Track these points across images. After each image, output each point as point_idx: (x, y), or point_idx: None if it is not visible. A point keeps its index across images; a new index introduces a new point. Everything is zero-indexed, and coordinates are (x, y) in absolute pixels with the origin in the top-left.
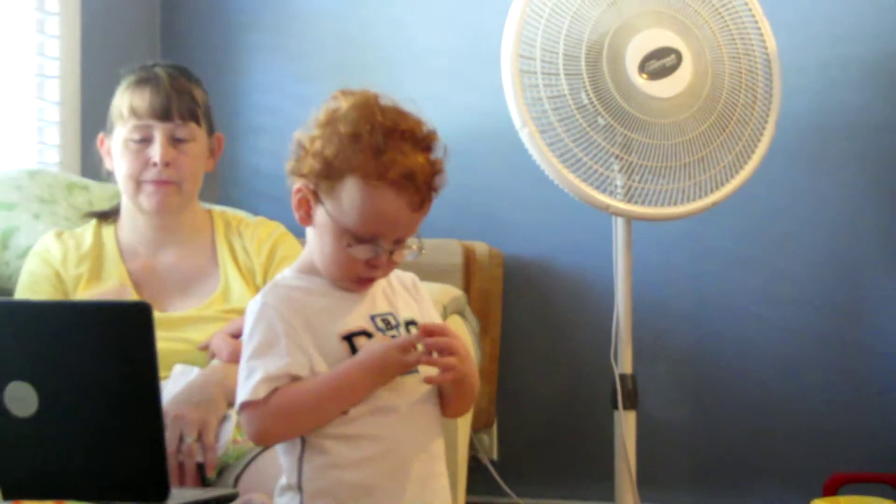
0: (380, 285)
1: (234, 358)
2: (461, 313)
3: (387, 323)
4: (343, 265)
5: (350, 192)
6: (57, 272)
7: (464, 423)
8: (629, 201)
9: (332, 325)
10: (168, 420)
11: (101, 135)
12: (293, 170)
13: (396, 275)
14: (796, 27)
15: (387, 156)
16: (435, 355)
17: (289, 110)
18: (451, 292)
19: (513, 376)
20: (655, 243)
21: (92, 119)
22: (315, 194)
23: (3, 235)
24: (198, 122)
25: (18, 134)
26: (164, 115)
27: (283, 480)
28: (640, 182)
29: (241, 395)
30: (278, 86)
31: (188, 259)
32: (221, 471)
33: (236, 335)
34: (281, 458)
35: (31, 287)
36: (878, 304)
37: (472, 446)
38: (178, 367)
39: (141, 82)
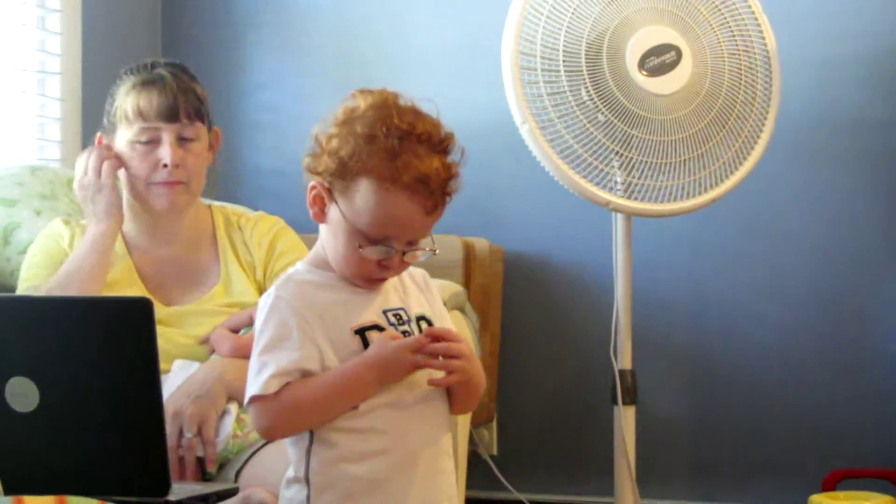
0: (391, 281)
1: (235, 353)
2: (461, 309)
3: (398, 318)
4: (355, 264)
5: (364, 193)
6: (65, 252)
7: (464, 419)
8: (629, 197)
9: (345, 319)
10: (168, 415)
11: (99, 133)
12: (309, 166)
13: (408, 271)
14: (796, 24)
15: (402, 159)
16: (440, 359)
17: (289, 107)
18: (452, 288)
19: (513, 372)
20: (655, 239)
21: (93, 115)
22: (329, 192)
23: (4, 231)
24: (202, 120)
25: (20, 130)
26: (171, 116)
27: (289, 472)
28: (639, 178)
29: (252, 389)
30: (279, 82)
31: (189, 254)
32: (222, 465)
33: (236, 329)
34: (288, 450)
35: (42, 261)
36: (877, 300)
37: (471, 441)
38: (178, 362)
39: (146, 84)
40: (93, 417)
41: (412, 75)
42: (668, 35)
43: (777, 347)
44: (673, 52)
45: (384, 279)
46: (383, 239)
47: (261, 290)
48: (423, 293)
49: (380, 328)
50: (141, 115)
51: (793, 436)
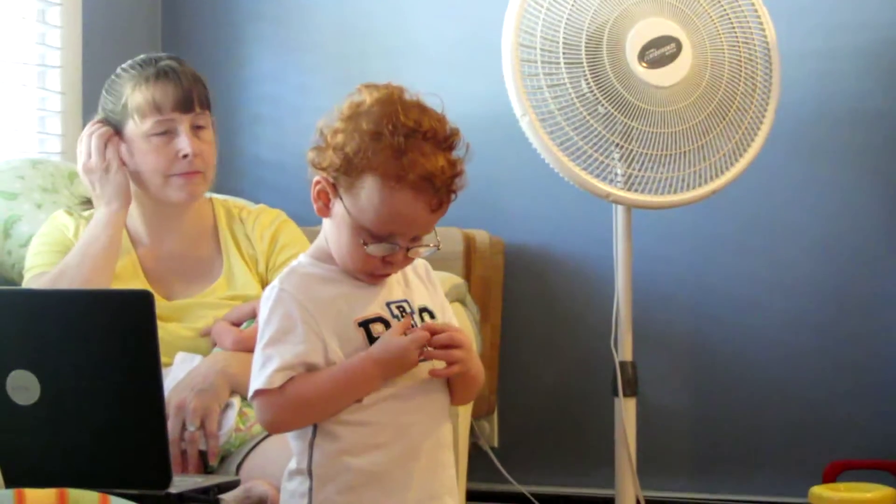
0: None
1: (237, 346)
2: (462, 301)
3: (402, 310)
4: (358, 260)
5: (368, 191)
6: (70, 241)
7: (465, 411)
8: (629, 189)
9: (349, 312)
10: (170, 408)
11: (99, 118)
12: (313, 161)
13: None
14: (796, 16)
15: (407, 157)
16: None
17: (290, 100)
18: (452, 280)
19: (513, 364)
20: (655, 231)
21: (94, 108)
22: (334, 188)
23: (5, 224)
24: (210, 108)
25: (20, 123)
26: (186, 106)
27: (292, 464)
28: (640, 170)
29: (256, 383)
30: (279, 76)
31: (191, 247)
32: (224, 458)
33: (238, 322)
34: (291, 443)
35: (47, 249)
36: (878, 292)
37: (472, 433)
38: (180, 355)
39: (159, 76)
40: (94, 410)
41: (412, 68)
42: (668, 27)
43: (778, 339)
44: (673, 44)
45: (387, 274)
46: (388, 236)
47: (263, 283)
48: (426, 285)
49: (383, 321)
50: (157, 107)
51: (793, 427)
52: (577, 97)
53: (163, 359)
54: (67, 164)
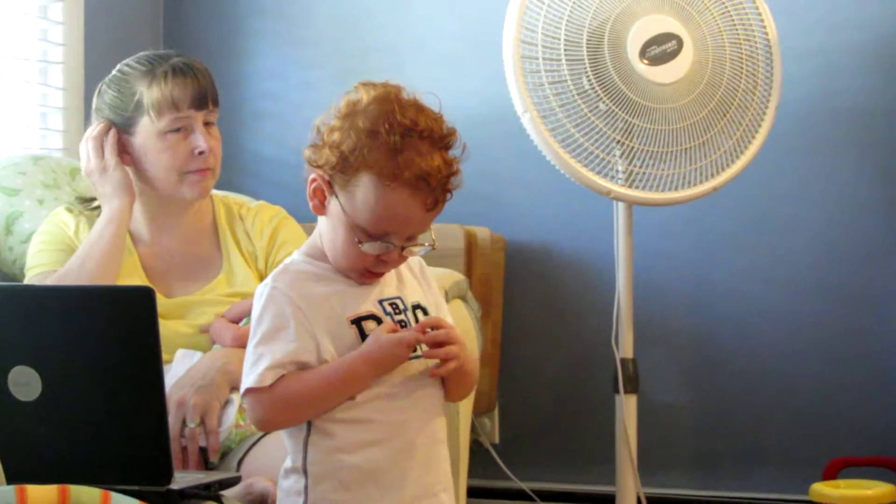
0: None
1: (237, 342)
2: (463, 298)
3: (395, 307)
4: (353, 258)
5: (364, 189)
6: (71, 239)
7: (465, 407)
8: (630, 186)
9: (341, 309)
10: (171, 405)
11: (103, 122)
12: (309, 159)
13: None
14: (796, 13)
15: (403, 156)
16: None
17: (291, 96)
18: (453, 277)
19: (514, 361)
20: (657, 228)
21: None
22: (329, 186)
23: (6, 220)
24: (218, 104)
25: (22, 119)
26: (202, 103)
27: (287, 463)
28: (641, 167)
29: (248, 381)
30: (281, 72)
31: (191, 245)
32: (224, 455)
33: (237, 320)
34: (286, 441)
35: (48, 248)
36: (879, 289)
37: (473, 430)
38: (180, 352)
39: (177, 73)
40: (95, 406)
41: (413, 64)
42: (669, 24)
43: (778, 336)
44: (674, 41)
45: (381, 274)
46: (383, 235)
47: (262, 280)
48: (420, 281)
49: (376, 318)
50: (175, 104)
51: (794, 424)
52: (579, 94)
53: (163, 356)
54: (69, 161)
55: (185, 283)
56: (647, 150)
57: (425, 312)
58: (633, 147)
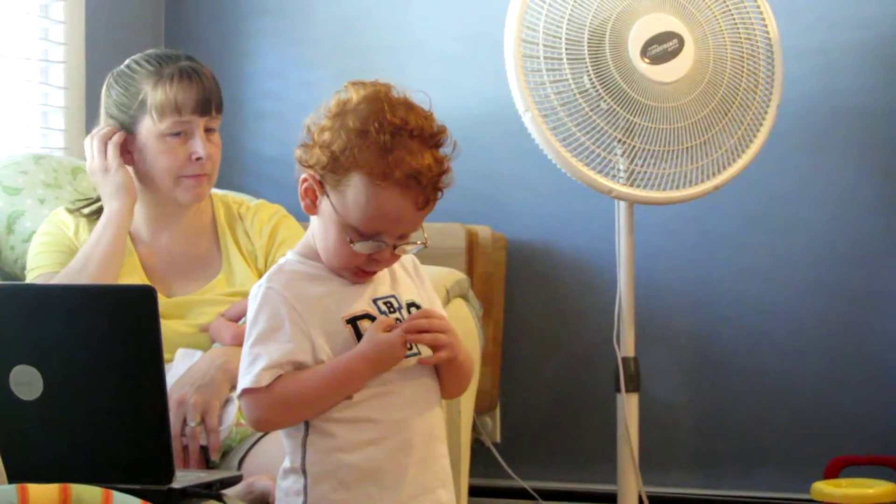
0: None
1: (236, 341)
2: (464, 297)
3: (389, 306)
4: (345, 258)
5: (355, 189)
6: (70, 240)
7: (467, 406)
8: (632, 185)
9: (336, 309)
10: (171, 404)
11: (111, 125)
12: (300, 159)
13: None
14: (797, 12)
15: (393, 155)
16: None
17: (292, 95)
18: (455, 276)
19: (516, 359)
20: (658, 227)
21: (97, 103)
22: (321, 185)
23: (8, 219)
24: (222, 111)
25: (23, 119)
26: (205, 109)
27: (286, 463)
28: (642, 166)
29: (244, 381)
30: (282, 71)
31: (191, 244)
32: (225, 454)
33: (236, 319)
34: (284, 441)
35: (47, 250)
36: (880, 288)
37: (475, 429)
38: (180, 351)
39: (183, 77)
40: (97, 405)
41: (414, 63)
42: (671, 23)
43: (780, 335)
44: (675, 40)
45: (373, 272)
46: (374, 234)
47: None
48: (413, 279)
49: (371, 317)
50: (178, 108)
51: (796, 423)
52: (580, 93)
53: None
54: (70, 160)
55: (184, 283)
56: (649, 149)
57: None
58: (634, 146)
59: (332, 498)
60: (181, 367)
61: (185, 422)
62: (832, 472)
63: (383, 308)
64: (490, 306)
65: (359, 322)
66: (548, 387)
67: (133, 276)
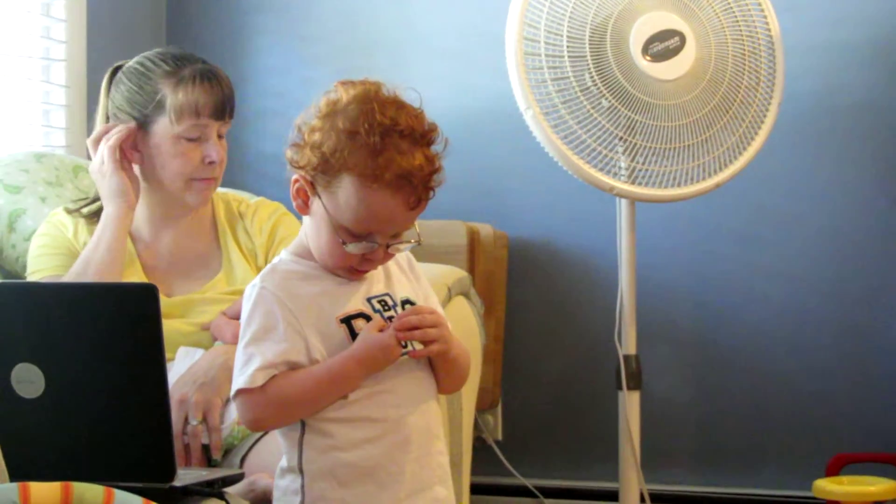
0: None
1: (237, 339)
2: (466, 294)
3: (384, 304)
4: (338, 257)
5: (346, 190)
6: (70, 241)
7: (469, 404)
8: (633, 183)
9: (330, 308)
10: (173, 402)
11: (131, 125)
12: (291, 160)
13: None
14: (799, 8)
15: (384, 156)
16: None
17: (295, 93)
18: (456, 273)
19: (517, 357)
20: (659, 224)
21: (98, 102)
22: (312, 186)
23: (9, 218)
24: (233, 117)
25: (25, 117)
26: (222, 114)
27: (283, 462)
28: (644, 164)
29: (238, 382)
30: (284, 69)
31: (191, 242)
32: (227, 452)
33: (237, 317)
34: (280, 441)
35: (47, 252)
36: (882, 285)
37: (476, 427)
38: (182, 350)
39: (203, 79)
40: (98, 403)
41: (416, 61)
42: (672, 20)
43: (782, 332)
44: (677, 38)
45: (367, 270)
46: (366, 234)
47: None
48: (408, 276)
49: (365, 316)
50: (197, 111)
51: (797, 420)
52: (581, 91)
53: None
54: (72, 158)
55: (185, 282)
56: (650, 147)
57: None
58: (635, 143)
59: (329, 496)
60: (182, 366)
61: (186, 420)
62: (834, 470)
63: (377, 306)
64: (491, 304)
65: (353, 321)
66: (549, 384)
67: (133, 276)
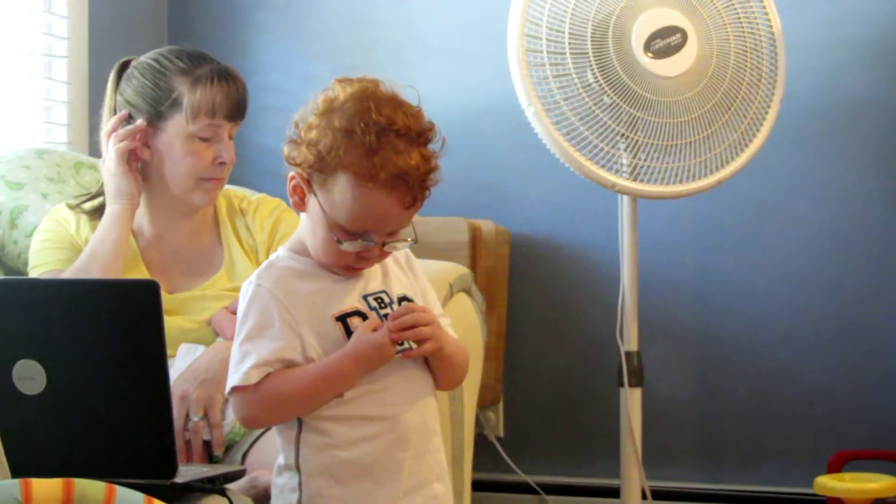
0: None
1: None
2: (467, 291)
3: (380, 301)
4: (333, 255)
5: (341, 188)
6: (72, 237)
7: (470, 401)
8: (635, 179)
9: (326, 306)
10: (174, 398)
11: (141, 121)
12: (288, 157)
13: None
14: (801, 6)
15: (379, 155)
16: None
17: (296, 89)
18: (458, 270)
19: (519, 354)
20: (661, 221)
21: (100, 98)
22: (308, 183)
23: (11, 214)
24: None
25: (26, 113)
26: (235, 115)
27: (280, 460)
28: (645, 160)
29: (233, 379)
30: (285, 65)
31: (193, 239)
32: (228, 448)
33: None
34: (277, 439)
35: (49, 247)
36: (883, 282)
37: (478, 423)
38: (183, 346)
39: (221, 80)
40: (100, 400)
41: (418, 58)
42: (674, 17)
43: (783, 329)
44: (678, 35)
45: (363, 268)
46: (362, 233)
47: None
48: (406, 273)
49: (361, 314)
50: (213, 111)
51: (799, 417)
52: (583, 87)
53: None
54: (73, 154)
55: (186, 279)
56: (652, 144)
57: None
58: (637, 140)
59: (326, 494)
60: (184, 363)
61: (187, 417)
62: (835, 467)
63: (374, 304)
64: (493, 301)
65: (349, 319)
66: (551, 381)
67: (135, 273)
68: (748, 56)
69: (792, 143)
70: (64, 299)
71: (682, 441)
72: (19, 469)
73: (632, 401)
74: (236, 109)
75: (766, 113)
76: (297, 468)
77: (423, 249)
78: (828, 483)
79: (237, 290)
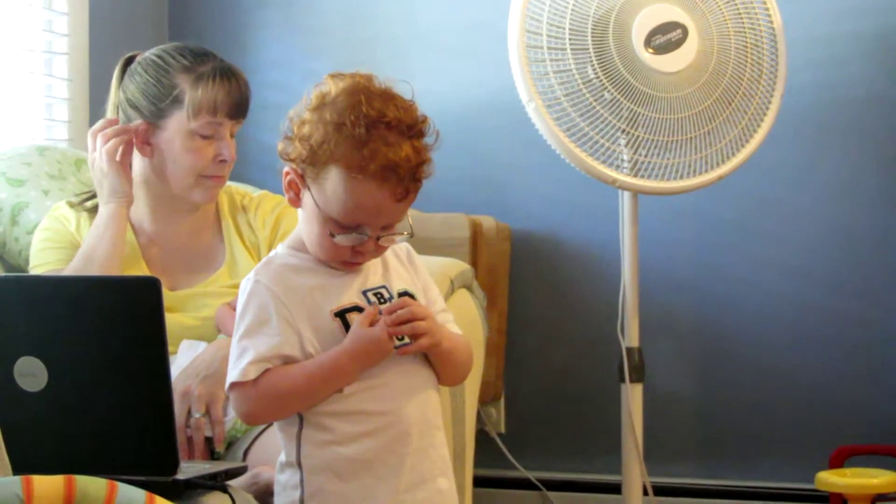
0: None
1: None
2: (468, 287)
3: (379, 297)
4: (329, 250)
5: (333, 182)
6: (72, 235)
7: (471, 397)
8: (636, 175)
9: (325, 302)
10: (176, 395)
11: (141, 123)
12: (282, 153)
13: (391, 247)
14: (802, 1)
15: (369, 147)
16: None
17: (297, 86)
18: (459, 266)
19: (520, 350)
20: (662, 217)
21: (101, 95)
22: (302, 179)
23: (12, 211)
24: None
25: (27, 110)
26: (237, 113)
27: (281, 457)
28: (646, 156)
29: (231, 375)
30: (286, 61)
31: (194, 237)
32: (230, 445)
33: None
34: (278, 435)
35: (50, 245)
36: (884, 277)
37: (479, 419)
38: (185, 343)
39: (223, 77)
40: (101, 397)
41: (419, 54)
42: (674, 13)
43: (784, 324)
44: (679, 30)
45: (360, 263)
46: (355, 226)
47: None
48: (407, 268)
49: (360, 310)
50: (215, 108)
51: (800, 413)
52: (584, 83)
53: None
54: (74, 151)
55: (187, 276)
56: (653, 139)
57: (413, 299)
58: (638, 136)
59: (328, 490)
60: (185, 359)
61: (189, 413)
62: (837, 462)
63: (373, 299)
64: (494, 297)
65: (347, 315)
66: (552, 377)
67: (136, 270)
68: (749, 52)
69: (793, 139)
70: (65, 296)
71: (684, 437)
72: (21, 466)
73: (633, 397)
74: (238, 108)
75: (767, 108)
76: (299, 465)
77: (423, 245)
78: (829, 478)
79: (238, 286)
